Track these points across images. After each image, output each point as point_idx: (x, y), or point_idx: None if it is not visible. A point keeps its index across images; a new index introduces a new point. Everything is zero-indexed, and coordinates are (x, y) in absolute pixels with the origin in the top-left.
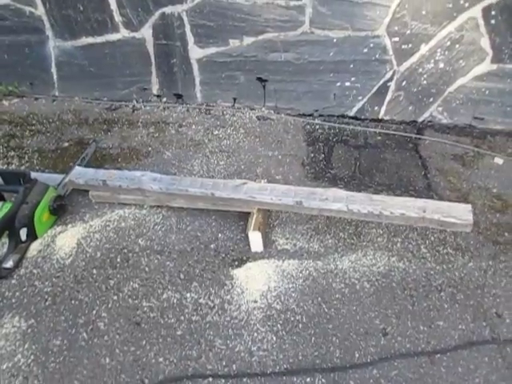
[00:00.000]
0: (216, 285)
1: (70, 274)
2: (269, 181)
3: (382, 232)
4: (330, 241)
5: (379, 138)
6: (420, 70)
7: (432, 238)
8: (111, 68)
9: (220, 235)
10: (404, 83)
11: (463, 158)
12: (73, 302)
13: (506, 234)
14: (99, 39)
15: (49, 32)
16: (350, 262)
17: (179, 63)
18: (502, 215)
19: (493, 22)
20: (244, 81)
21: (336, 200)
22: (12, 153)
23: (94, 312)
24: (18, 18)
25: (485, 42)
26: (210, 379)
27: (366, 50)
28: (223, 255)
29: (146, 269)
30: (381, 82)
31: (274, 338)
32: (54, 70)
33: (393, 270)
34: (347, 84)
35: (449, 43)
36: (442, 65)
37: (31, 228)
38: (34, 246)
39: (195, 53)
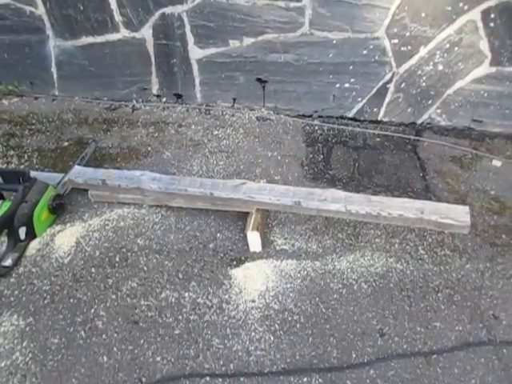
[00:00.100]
0: (214, 284)
1: (68, 273)
2: (268, 181)
3: (380, 233)
4: (328, 241)
5: (378, 139)
6: (419, 72)
7: (430, 240)
8: (111, 68)
9: (219, 235)
10: (403, 85)
11: (461, 160)
12: (71, 300)
13: (504, 236)
14: (99, 39)
15: (49, 31)
16: (347, 262)
17: (179, 63)
18: (499, 217)
19: (492, 24)
20: (244, 81)
21: (334, 201)
22: (11, 152)
23: (93, 311)
24: (19, 18)
25: (484, 45)
26: (208, 378)
27: (365, 52)
28: (222, 255)
29: (145, 268)
30: (380, 83)
31: (272, 338)
32: (54, 69)
33: (390, 271)
34: (346, 85)
35: (448, 46)
36: (441, 67)
37: (30, 227)
38: (33, 245)
39: (195, 53)
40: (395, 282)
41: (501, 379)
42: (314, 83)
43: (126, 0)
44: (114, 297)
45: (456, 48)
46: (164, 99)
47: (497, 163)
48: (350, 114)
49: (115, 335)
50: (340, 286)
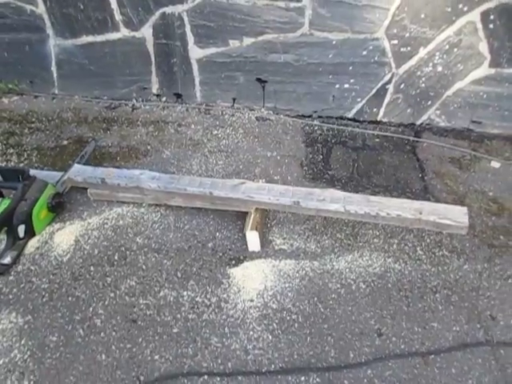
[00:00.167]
0: (213, 283)
1: (67, 271)
2: (267, 181)
3: (378, 233)
4: (326, 241)
5: (377, 139)
6: (418, 73)
7: (428, 240)
8: (111, 67)
9: (217, 234)
10: (402, 86)
11: (460, 161)
12: (70, 298)
13: (502, 237)
14: (99, 38)
15: (49, 30)
16: (346, 262)
17: (179, 63)
18: (497, 218)
19: (491, 26)
20: (243, 81)
21: (333, 201)
22: (11, 150)
23: (91, 309)
24: (19, 16)
25: (483, 47)
26: (206, 377)
27: (365, 53)
28: (220, 254)
29: (144, 267)
30: (379, 84)
31: (270, 337)
32: (54, 68)
33: (389, 271)
34: (346, 86)
35: (447, 47)
36: (440, 68)
37: (29, 225)
38: (32, 243)
39: (195, 53)
40: (393, 282)
41: (497, 380)
42: (314, 83)
43: None
44: (112, 295)
45: (455, 49)
46: (164, 98)
47: (495, 164)
48: (350, 115)
49: (113, 333)
50: (338, 285)
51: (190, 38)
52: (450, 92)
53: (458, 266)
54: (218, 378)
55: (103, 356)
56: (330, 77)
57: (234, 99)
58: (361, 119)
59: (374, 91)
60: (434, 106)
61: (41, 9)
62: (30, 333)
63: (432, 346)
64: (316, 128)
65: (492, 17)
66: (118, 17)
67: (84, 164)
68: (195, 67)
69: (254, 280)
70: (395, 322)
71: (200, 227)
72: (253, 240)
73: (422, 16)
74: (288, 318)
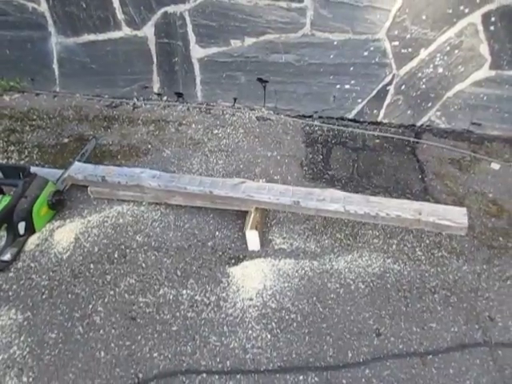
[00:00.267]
0: (212, 282)
1: (67, 269)
2: (267, 181)
3: (378, 234)
4: (326, 241)
5: (377, 140)
6: (419, 74)
7: (427, 241)
8: (113, 65)
9: (217, 233)
10: (403, 87)
11: (460, 163)
12: (69, 295)
13: (501, 238)
14: (101, 36)
15: (51, 28)
16: (345, 262)
17: (180, 62)
18: (497, 220)
19: (492, 28)
20: (244, 81)
21: (333, 201)
22: (12, 147)
23: (91, 306)
24: (21, 14)
25: (484, 48)
26: (204, 375)
27: (366, 54)
28: (220, 253)
29: (143, 265)
30: (380, 85)
31: (269, 336)
32: (55, 66)
33: (388, 272)
34: (347, 87)
35: (448, 48)
36: (440, 70)
37: (29, 222)
38: (32, 240)
39: (197, 52)
40: (392, 282)
41: (495, 380)
42: (315, 84)
43: None
44: (112, 293)
45: (456, 51)
46: (165, 98)
47: (495, 166)
48: (350, 115)
49: (113, 331)
50: (337, 285)
51: (192, 38)
52: (451, 93)
53: (457, 266)
54: (217, 377)
55: (102, 353)
56: (331, 77)
57: (234, 99)
58: (361, 120)
59: (374, 92)
60: (434, 108)
61: (43, 7)
62: (29, 329)
63: (430, 347)
64: (316, 128)
65: (493, 19)
66: (120, 16)
67: (85, 162)
68: (196, 67)
69: (253, 279)
70: (394, 322)
71: (200, 226)
72: (252, 239)
73: (423, 17)
74: (287, 317)
